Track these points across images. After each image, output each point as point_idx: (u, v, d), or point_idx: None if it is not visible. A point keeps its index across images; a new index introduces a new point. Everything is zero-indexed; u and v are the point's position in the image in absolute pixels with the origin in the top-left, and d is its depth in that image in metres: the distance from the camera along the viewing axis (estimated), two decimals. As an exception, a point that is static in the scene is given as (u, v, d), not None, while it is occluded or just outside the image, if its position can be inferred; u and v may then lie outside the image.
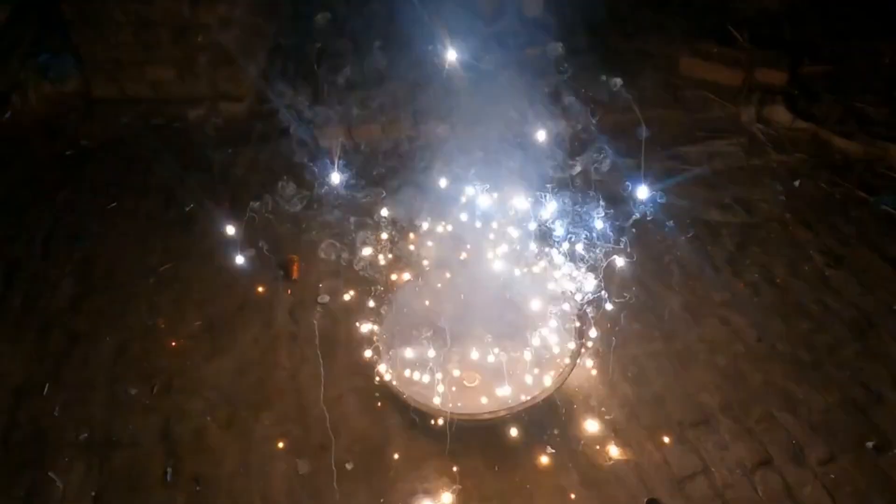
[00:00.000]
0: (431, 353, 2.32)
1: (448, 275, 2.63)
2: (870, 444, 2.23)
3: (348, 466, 2.20)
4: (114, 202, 3.27)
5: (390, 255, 2.74)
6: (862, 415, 2.32)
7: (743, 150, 3.43)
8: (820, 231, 3.01)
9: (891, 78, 3.65)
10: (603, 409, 2.33)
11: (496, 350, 2.36)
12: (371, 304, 2.56)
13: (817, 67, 3.73)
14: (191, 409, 2.38)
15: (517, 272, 2.57)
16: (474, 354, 2.37)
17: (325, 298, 2.76)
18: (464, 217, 2.60)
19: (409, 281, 2.64)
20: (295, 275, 2.87)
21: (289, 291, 2.79)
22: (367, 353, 2.37)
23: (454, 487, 2.11)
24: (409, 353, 2.36)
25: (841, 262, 2.86)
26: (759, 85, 3.64)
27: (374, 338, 2.42)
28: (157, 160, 3.51)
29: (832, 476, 2.16)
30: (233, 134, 3.67)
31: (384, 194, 2.98)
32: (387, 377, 2.30)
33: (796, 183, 3.24)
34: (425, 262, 2.68)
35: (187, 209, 3.21)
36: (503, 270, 2.53)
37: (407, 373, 2.33)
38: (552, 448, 2.21)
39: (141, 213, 3.21)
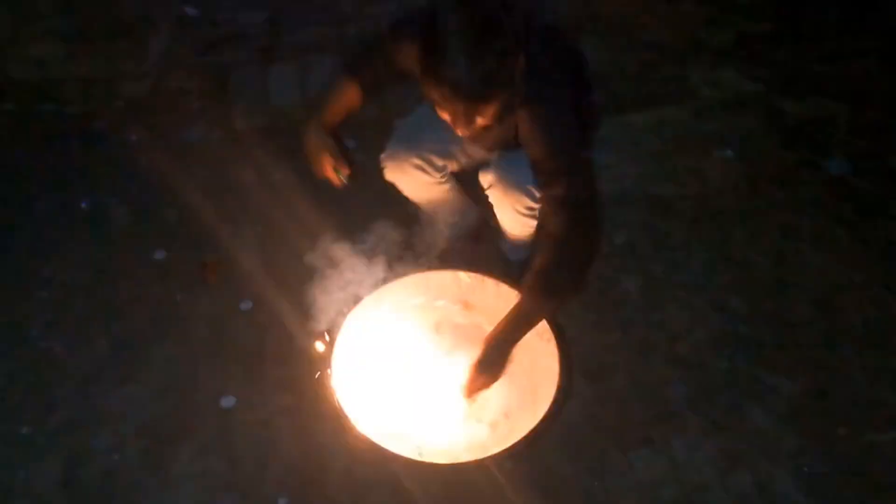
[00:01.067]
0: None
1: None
2: (841, 432, 2.11)
3: (281, 502, 1.95)
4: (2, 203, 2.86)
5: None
6: (830, 399, 2.20)
7: (691, 115, 3.24)
8: (775, 200, 2.87)
9: (835, 35, 3.51)
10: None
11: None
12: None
13: (764, 25, 3.56)
14: (97, 447, 2.07)
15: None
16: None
17: (248, 305, 2.46)
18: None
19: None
20: (213, 279, 2.55)
21: (206, 298, 2.48)
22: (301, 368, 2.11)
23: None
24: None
25: (799, 233, 2.73)
26: (706, 46, 3.45)
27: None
28: (48, 152, 3.09)
29: (805, 469, 2.03)
30: (135, 118, 3.26)
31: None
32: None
33: (748, 148, 3.08)
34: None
35: (83, 206, 2.83)
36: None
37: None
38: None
39: (32, 215, 2.80)
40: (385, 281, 2.14)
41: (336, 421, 1.97)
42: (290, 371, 2.23)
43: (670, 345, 2.34)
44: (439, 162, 2.06)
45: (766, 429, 2.12)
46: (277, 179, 2.91)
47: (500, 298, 2.03)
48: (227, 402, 2.18)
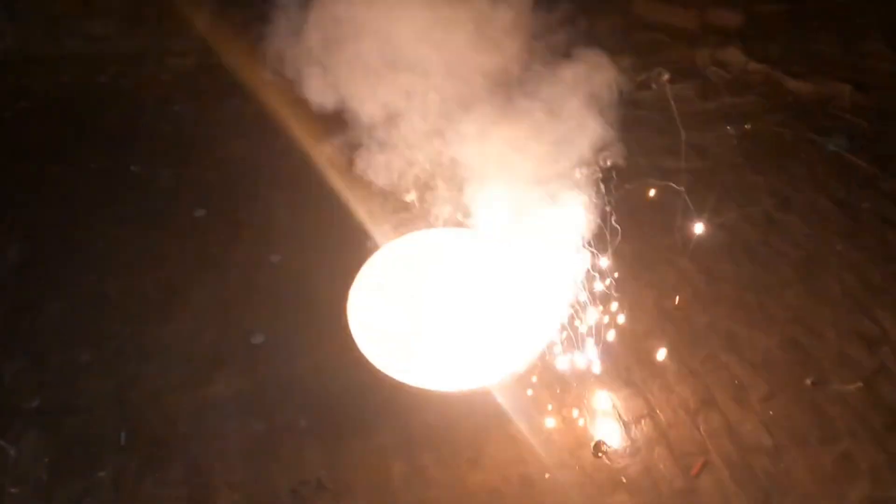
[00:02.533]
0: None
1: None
2: (808, 381, 2.31)
3: (302, 423, 2.23)
4: (57, 164, 3.18)
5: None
6: (802, 353, 2.39)
7: (697, 93, 3.41)
8: (770, 174, 3.04)
9: (844, 16, 3.63)
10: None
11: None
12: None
13: (772, 7, 3.70)
14: (145, 373, 2.38)
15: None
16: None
17: (277, 258, 2.74)
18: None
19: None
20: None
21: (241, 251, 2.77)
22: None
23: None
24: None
25: (789, 204, 2.90)
26: (714, 27, 3.60)
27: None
28: (102, 120, 3.42)
29: (771, 413, 2.24)
30: (180, 90, 3.56)
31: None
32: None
33: (748, 126, 3.24)
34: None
35: (133, 169, 3.14)
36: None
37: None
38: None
39: (87, 176, 3.13)
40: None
41: (351, 354, 2.24)
42: (312, 316, 2.50)
43: (657, 301, 2.56)
44: None
45: (739, 377, 2.33)
46: (308, 151, 3.17)
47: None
48: (257, 339, 2.47)
